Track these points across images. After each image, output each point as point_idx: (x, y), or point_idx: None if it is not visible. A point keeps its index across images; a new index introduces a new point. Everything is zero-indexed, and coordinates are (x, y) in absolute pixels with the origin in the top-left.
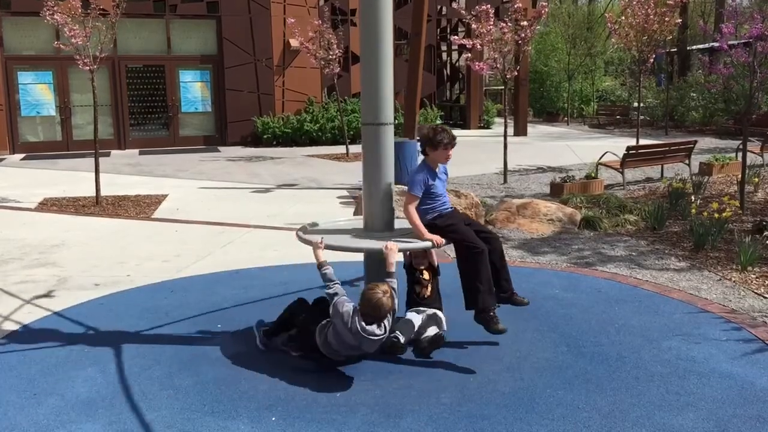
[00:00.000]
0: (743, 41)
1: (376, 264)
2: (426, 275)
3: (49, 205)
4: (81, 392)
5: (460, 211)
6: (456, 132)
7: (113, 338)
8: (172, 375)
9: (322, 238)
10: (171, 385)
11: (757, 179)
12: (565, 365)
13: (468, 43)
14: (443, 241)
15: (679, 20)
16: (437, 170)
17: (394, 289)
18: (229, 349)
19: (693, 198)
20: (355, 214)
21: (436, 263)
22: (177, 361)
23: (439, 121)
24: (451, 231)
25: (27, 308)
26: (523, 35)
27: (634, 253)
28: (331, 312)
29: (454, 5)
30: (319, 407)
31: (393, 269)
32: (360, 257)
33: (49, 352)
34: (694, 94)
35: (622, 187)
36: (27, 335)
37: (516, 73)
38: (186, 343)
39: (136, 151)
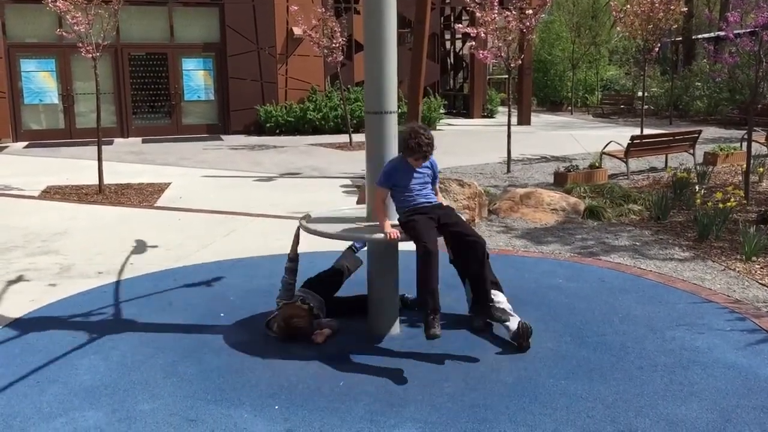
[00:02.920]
0: (749, 30)
1: (377, 253)
2: None
3: (52, 193)
4: (84, 380)
5: (457, 208)
6: (459, 121)
7: (116, 326)
8: (176, 363)
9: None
10: (174, 373)
11: (762, 169)
12: (569, 355)
13: (472, 31)
14: (396, 235)
15: (685, 9)
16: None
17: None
18: (232, 338)
19: (697, 188)
20: (358, 202)
21: None
22: (180, 349)
23: (442, 111)
24: (410, 227)
25: (30, 296)
26: (527, 24)
27: (637, 243)
28: None
29: None
30: (322, 396)
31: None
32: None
33: (52, 340)
34: (699, 84)
35: (626, 177)
36: (30, 323)
37: (520, 62)
38: (189, 331)
39: (139, 139)
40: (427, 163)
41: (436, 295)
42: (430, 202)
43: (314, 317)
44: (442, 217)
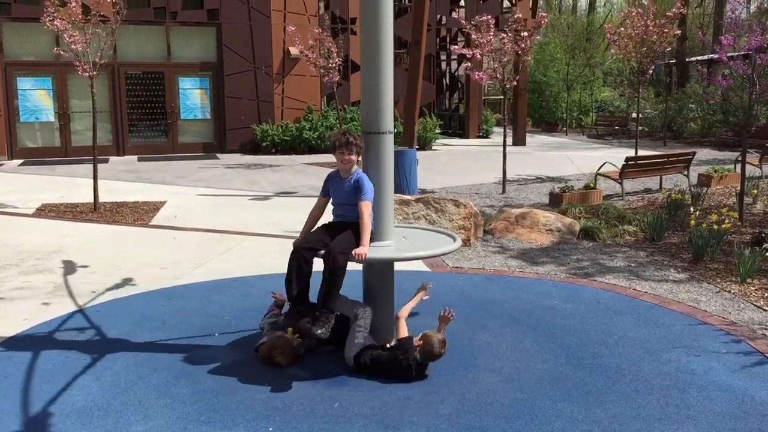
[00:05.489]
0: (742, 53)
1: (373, 272)
2: None
3: (47, 211)
4: (77, 400)
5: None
6: (455, 141)
7: (110, 346)
8: (170, 383)
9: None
10: (168, 394)
11: (755, 191)
12: (564, 377)
13: (468, 52)
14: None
15: (678, 31)
16: (344, 177)
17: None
18: (226, 358)
19: (692, 209)
20: None
21: None
22: (174, 369)
23: (438, 131)
24: None
25: (23, 315)
26: (522, 45)
27: (633, 264)
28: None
29: (454, 15)
30: (317, 417)
31: None
32: (356, 266)
33: (44, 359)
34: (693, 106)
35: (620, 198)
36: (23, 342)
37: (515, 83)
38: (183, 351)
39: (135, 157)
40: (355, 177)
41: (290, 287)
42: (340, 219)
43: (295, 353)
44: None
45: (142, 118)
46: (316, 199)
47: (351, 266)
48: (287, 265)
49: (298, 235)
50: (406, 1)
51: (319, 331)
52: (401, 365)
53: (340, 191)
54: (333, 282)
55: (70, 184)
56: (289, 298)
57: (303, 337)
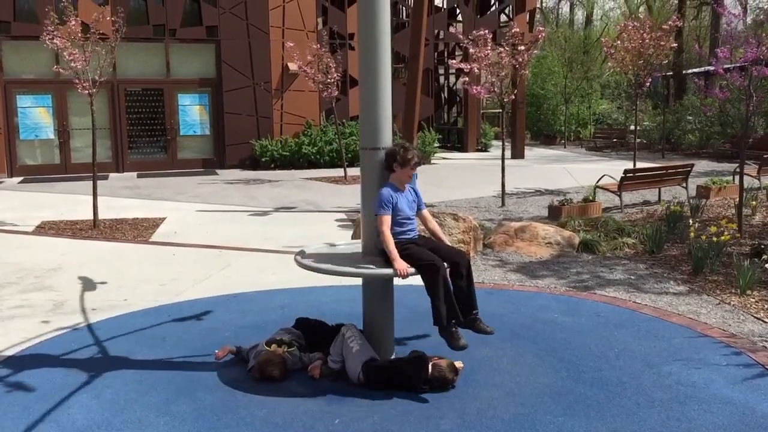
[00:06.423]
0: (739, 65)
1: (373, 288)
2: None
3: (46, 229)
4: (76, 419)
5: (452, 242)
6: (454, 155)
7: (109, 363)
8: (170, 401)
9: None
10: (168, 412)
11: (754, 202)
12: (565, 390)
13: (465, 66)
14: (409, 271)
15: (675, 44)
16: (402, 191)
17: None
18: (226, 375)
19: (691, 221)
20: (353, 237)
21: None
22: (174, 386)
23: (437, 145)
24: (407, 255)
25: (23, 333)
26: (520, 59)
27: (632, 277)
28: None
29: (452, 29)
30: None
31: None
32: (356, 281)
33: (44, 377)
34: (691, 118)
35: (619, 210)
36: (22, 361)
37: (513, 97)
38: (183, 368)
39: (135, 174)
40: (411, 189)
41: (454, 305)
42: (416, 233)
43: (287, 364)
44: (427, 242)
45: (141, 135)
46: (316, 214)
47: (346, 281)
48: (440, 289)
49: (297, 251)
50: (404, 16)
51: (336, 367)
52: (413, 383)
53: (405, 205)
54: (473, 287)
55: (70, 202)
56: (459, 318)
57: (291, 346)
